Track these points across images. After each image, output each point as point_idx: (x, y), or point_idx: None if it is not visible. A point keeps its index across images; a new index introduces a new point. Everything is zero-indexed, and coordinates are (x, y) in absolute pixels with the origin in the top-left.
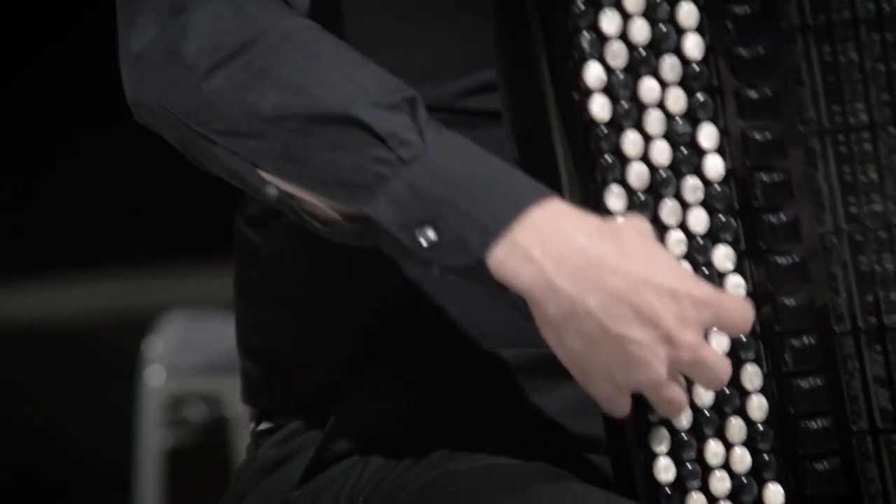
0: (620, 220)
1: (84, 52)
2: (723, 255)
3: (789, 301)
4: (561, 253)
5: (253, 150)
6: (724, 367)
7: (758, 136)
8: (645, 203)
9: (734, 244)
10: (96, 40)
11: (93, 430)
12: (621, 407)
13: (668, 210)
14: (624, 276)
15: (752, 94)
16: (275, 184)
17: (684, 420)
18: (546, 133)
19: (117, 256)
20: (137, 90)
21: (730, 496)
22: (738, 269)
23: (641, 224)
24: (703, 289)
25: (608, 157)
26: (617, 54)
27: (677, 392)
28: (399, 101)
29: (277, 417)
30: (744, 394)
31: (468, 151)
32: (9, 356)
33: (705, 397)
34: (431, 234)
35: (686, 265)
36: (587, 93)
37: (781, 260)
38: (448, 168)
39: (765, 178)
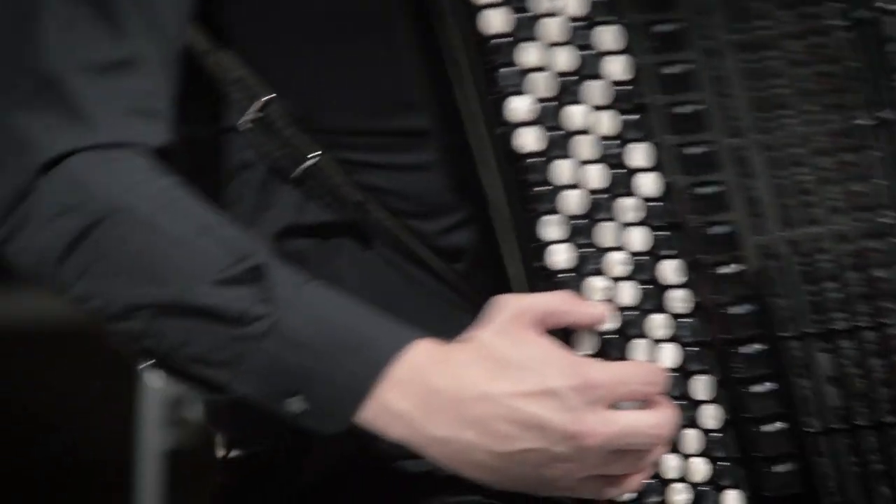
0: (487, 332)
1: None
2: (667, 271)
3: (736, 309)
4: (425, 401)
5: (120, 331)
6: (648, 424)
7: (691, 151)
8: (582, 228)
9: (676, 259)
10: None
11: (92, 430)
12: (605, 493)
13: (606, 232)
14: (490, 399)
15: (681, 109)
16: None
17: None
18: (475, 167)
19: None
20: (13, 265)
21: None
22: (683, 283)
23: (512, 319)
24: (584, 372)
25: (539, 188)
26: (539, 85)
27: (611, 479)
28: (243, 273)
29: (250, 443)
30: (696, 404)
31: (325, 308)
32: (9, 356)
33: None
34: (298, 403)
35: (629, 286)
36: (511, 126)
37: (724, 270)
38: (304, 335)
39: (701, 191)
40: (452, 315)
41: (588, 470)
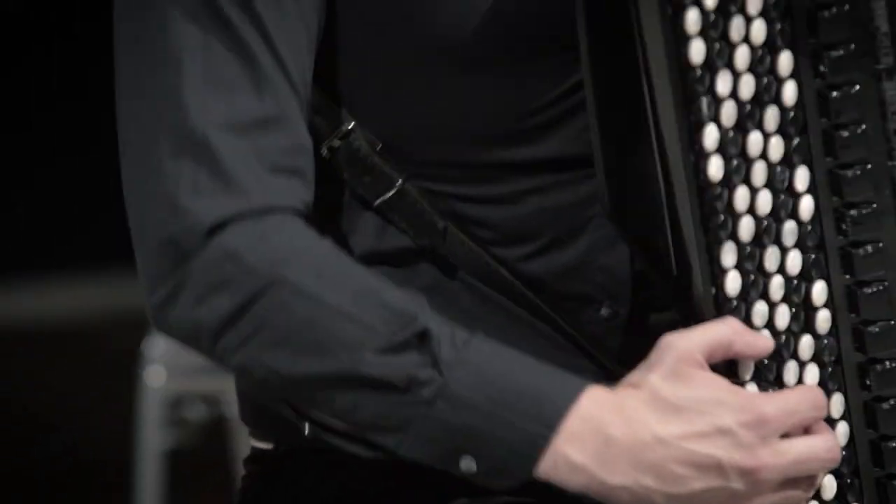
0: (655, 375)
1: (86, 52)
2: (816, 293)
3: (874, 328)
4: (601, 451)
5: (281, 397)
6: (820, 449)
7: (845, 173)
8: (751, 254)
9: (825, 280)
10: (97, 40)
11: (92, 430)
12: None
13: (771, 257)
14: (664, 443)
15: (842, 132)
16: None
17: None
18: (653, 190)
19: (117, 256)
20: (166, 331)
21: None
22: (828, 303)
23: (679, 359)
24: (754, 407)
25: (721, 216)
26: (730, 113)
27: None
28: (409, 338)
29: (284, 438)
30: (830, 422)
31: (490, 366)
32: (9, 356)
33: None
34: (470, 463)
35: (783, 308)
36: (705, 155)
37: (868, 290)
38: (472, 396)
39: (851, 212)
40: (534, 340)
41: (764, 501)
